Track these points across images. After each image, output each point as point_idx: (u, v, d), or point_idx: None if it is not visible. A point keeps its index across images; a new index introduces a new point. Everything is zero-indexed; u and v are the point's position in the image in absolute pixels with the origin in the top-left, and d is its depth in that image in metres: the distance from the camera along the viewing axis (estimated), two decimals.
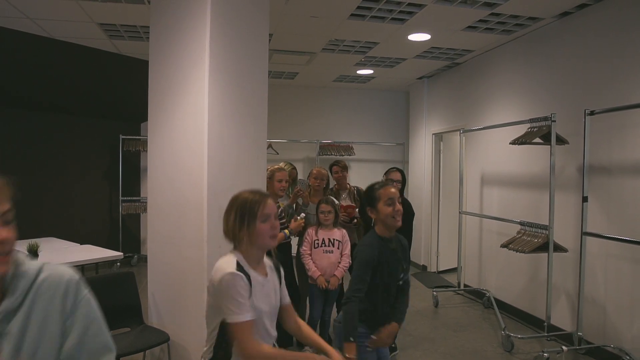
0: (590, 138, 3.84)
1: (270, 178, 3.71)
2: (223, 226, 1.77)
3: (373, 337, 2.30)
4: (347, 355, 2.12)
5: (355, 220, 4.21)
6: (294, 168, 4.22)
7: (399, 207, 2.27)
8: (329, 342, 4.22)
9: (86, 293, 1.15)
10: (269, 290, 1.79)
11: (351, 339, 2.17)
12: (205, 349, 1.75)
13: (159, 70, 3.35)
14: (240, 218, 1.71)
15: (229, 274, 1.63)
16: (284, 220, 3.79)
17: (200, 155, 2.97)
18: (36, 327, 1.05)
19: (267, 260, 1.86)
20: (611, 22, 3.87)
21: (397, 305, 2.42)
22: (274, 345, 1.82)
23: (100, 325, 1.15)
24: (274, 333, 1.81)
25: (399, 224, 2.29)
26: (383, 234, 2.31)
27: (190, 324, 3.07)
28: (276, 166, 3.93)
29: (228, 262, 1.68)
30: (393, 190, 2.30)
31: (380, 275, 2.25)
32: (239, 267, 1.67)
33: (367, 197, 2.37)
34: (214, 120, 2.97)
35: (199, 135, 2.98)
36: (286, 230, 3.71)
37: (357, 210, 4.27)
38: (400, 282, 2.42)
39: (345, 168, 4.52)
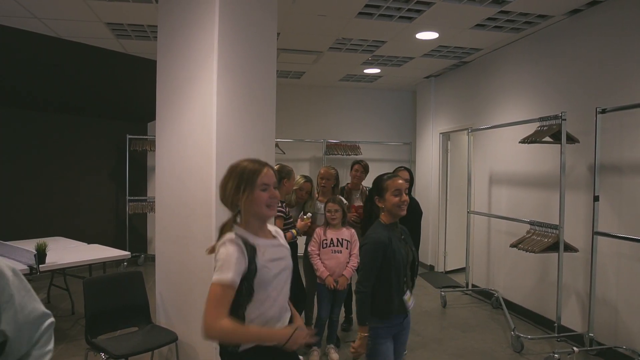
0: (602, 137, 3.79)
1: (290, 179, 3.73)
2: (219, 193, 1.75)
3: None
4: (354, 349, 2.32)
5: None
6: (308, 181, 4.19)
7: (405, 197, 2.39)
8: (337, 342, 4.21)
9: (9, 275, 1.15)
10: (279, 247, 1.79)
11: (365, 323, 2.30)
12: None
13: (167, 69, 3.35)
14: (238, 186, 1.69)
15: (225, 240, 1.64)
16: (290, 220, 3.78)
17: (208, 154, 2.96)
18: None
19: (271, 227, 1.87)
20: (622, 20, 3.83)
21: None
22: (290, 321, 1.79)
23: (29, 297, 1.18)
24: (281, 319, 1.75)
25: (404, 213, 2.40)
26: (388, 221, 2.42)
27: (198, 324, 3.03)
28: (300, 177, 4.08)
29: (227, 235, 1.67)
30: (400, 181, 2.42)
31: (391, 264, 2.32)
32: (238, 236, 1.66)
33: (376, 188, 2.48)
34: (222, 119, 2.96)
35: (207, 134, 2.97)
36: (293, 230, 3.70)
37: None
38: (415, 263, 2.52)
39: (366, 169, 4.52)
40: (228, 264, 1.59)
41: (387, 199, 2.39)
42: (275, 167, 3.73)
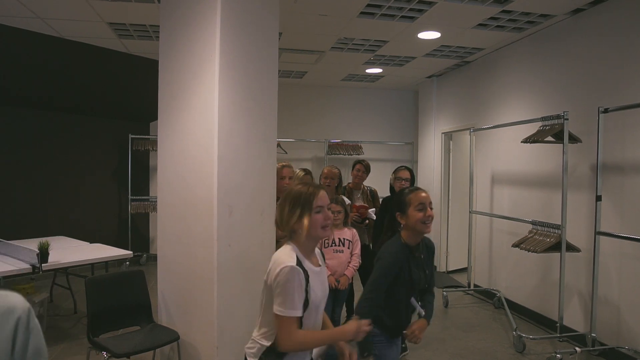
0: (604, 136, 3.79)
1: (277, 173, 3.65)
2: (276, 217, 1.87)
3: (405, 332, 2.25)
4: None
5: (367, 221, 4.19)
6: (308, 173, 4.16)
7: (430, 212, 2.20)
8: None
9: (36, 323, 1.15)
10: (323, 278, 1.90)
11: (365, 355, 2.09)
12: (257, 334, 1.82)
13: (169, 69, 3.35)
14: (295, 210, 1.78)
15: (288, 267, 1.69)
16: None
17: (210, 153, 2.96)
18: None
19: (317, 250, 1.97)
20: (625, 19, 3.82)
21: (424, 303, 2.36)
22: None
23: (44, 354, 1.19)
24: (320, 320, 1.90)
25: (429, 230, 2.22)
26: (409, 241, 2.23)
27: (200, 323, 3.06)
28: (284, 163, 3.89)
29: (287, 254, 1.75)
30: (424, 194, 2.23)
31: (403, 285, 2.17)
32: (298, 262, 1.74)
33: (397, 203, 2.29)
34: (224, 119, 2.97)
35: (209, 134, 2.98)
36: None
37: (369, 211, 4.24)
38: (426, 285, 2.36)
39: (368, 169, 4.51)
40: (293, 297, 1.69)
41: (410, 214, 2.19)
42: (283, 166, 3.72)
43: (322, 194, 1.82)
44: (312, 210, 1.77)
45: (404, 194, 2.28)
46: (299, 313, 1.70)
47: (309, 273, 1.76)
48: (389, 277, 2.14)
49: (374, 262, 2.24)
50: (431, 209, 2.22)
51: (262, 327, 1.82)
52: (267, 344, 1.77)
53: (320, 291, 1.83)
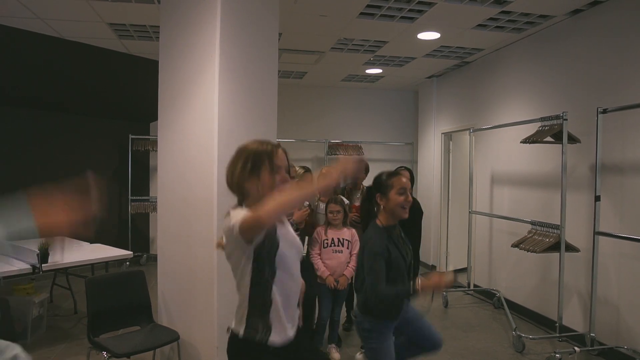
0: (603, 137, 3.79)
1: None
2: (227, 177, 1.66)
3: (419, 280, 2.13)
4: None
5: None
6: (308, 171, 4.17)
7: (409, 198, 2.28)
8: (339, 342, 4.22)
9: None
10: (289, 231, 1.73)
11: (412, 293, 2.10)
12: (236, 319, 1.66)
13: (169, 69, 3.36)
14: (251, 168, 1.60)
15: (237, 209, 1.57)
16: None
17: (210, 154, 2.97)
18: None
19: None
20: (623, 20, 3.82)
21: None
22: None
23: None
24: (296, 297, 1.72)
25: (406, 215, 2.29)
26: (388, 222, 2.30)
27: (200, 323, 3.07)
28: (300, 168, 3.96)
29: (236, 212, 1.57)
30: (405, 180, 2.29)
31: (395, 264, 2.24)
32: None
33: (378, 184, 2.33)
34: (224, 119, 2.97)
35: (209, 134, 2.98)
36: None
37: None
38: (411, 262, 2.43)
39: (366, 170, 4.50)
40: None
41: (390, 197, 2.26)
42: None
43: (281, 152, 1.65)
44: (268, 169, 1.59)
45: (386, 177, 2.31)
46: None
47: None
48: (382, 257, 2.18)
49: (360, 253, 2.30)
50: (410, 194, 2.30)
51: (238, 308, 1.67)
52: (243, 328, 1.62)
53: (287, 241, 1.65)
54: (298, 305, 1.77)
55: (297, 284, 1.71)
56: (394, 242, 2.27)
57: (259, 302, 1.60)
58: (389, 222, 2.31)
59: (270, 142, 1.68)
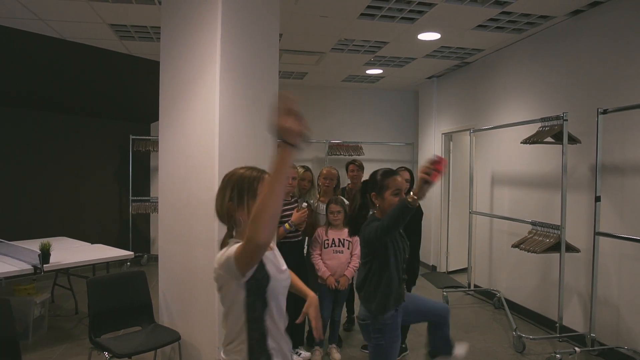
0: (603, 137, 3.80)
1: None
2: (216, 207, 1.62)
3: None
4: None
5: None
6: (308, 170, 4.18)
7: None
8: (339, 342, 4.22)
9: None
10: (278, 261, 1.68)
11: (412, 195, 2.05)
12: (229, 352, 1.59)
13: (170, 70, 3.37)
14: (239, 196, 1.56)
15: (232, 245, 1.51)
16: (286, 213, 3.59)
17: (211, 154, 2.98)
18: None
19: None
20: (624, 20, 3.83)
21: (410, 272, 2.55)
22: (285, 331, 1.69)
23: None
24: (283, 316, 1.67)
25: None
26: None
27: (201, 323, 3.07)
28: (300, 168, 3.96)
29: (231, 246, 1.51)
30: (401, 180, 2.30)
31: (392, 256, 2.29)
32: None
33: (374, 183, 2.33)
34: (224, 119, 2.98)
35: (210, 135, 2.99)
36: (287, 225, 3.52)
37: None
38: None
39: (361, 167, 4.53)
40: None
41: (385, 198, 2.28)
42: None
43: (267, 177, 1.54)
44: (256, 197, 1.53)
45: (380, 177, 2.30)
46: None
47: (264, 257, 1.56)
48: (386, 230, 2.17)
49: (360, 236, 2.31)
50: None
51: (228, 338, 1.60)
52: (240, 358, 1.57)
53: (276, 272, 1.60)
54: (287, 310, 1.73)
55: (283, 315, 1.66)
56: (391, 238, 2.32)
57: (256, 336, 1.56)
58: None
59: (257, 168, 1.64)
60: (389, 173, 2.35)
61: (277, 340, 1.62)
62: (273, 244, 1.75)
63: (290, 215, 3.60)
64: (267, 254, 1.62)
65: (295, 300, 1.93)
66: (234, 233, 1.64)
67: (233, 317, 1.57)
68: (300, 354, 3.78)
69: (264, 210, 1.30)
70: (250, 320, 1.55)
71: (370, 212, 2.43)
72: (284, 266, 1.71)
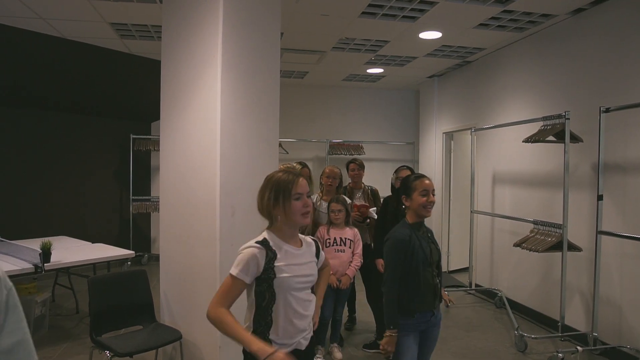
0: (605, 136, 3.79)
1: None
2: (257, 204, 1.89)
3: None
4: (382, 347, 2.38)
5: (369, 220, 4.20)
6: (306, 166, 4.18)
7: (432, 198, 2.46)
8: (341, 342, 4.21)
9: (11, 285, 1.11)
10: (304, 259, 1.88)
11: (392, 327, 2.34)
12: (246, 322, 1.86)
13: (171, 69, 3.36)
14: (275, 197, 1.81)
15: (249, 243, 1.79)
16: None
17: (212, 154, 2.97)
18: None
19: (305, 237, 1.98)
20: (626, 19, 3.82)
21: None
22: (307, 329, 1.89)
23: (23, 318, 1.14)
24: (306, 312, 1.85)
25: (429, 214, 2.48)
26: (413, 220, 2.49)
27: (202, 322, 3.05)
28: (287, 165, 3.91)
29: (252, 241, 1.80)
30: (428, 182, 2.49)
31: (418, 259, 2.39)
32: (264, 242, 1.79)
33: (404, 187, 2.56)
34: (226, 119, 2.97)
35: (211, 134, 2.98)
36: None
37: (370, 210, 4.25)
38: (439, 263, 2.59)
39: (362, 166, 4.52)
40: (240, 261, 1.75)
41: (414, 198, 2.46)
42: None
43: (302, 181, 1.84)
44: (291, 197, 1.80)
45: (410, 180, 2.53)
46: (235, 271, 1.73)
47: (281, 252, 1.80)
48: (400, 257, 2.37)
49: (384, 242, 2.48)
50: (433, 195, 2.48)
51: (244, 321, 1.86)
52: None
53: (295, 268, 1.82)
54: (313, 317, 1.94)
55: (302, 303, 1.84)
56: (417, 236, 2.45)
57: (262, 323, 1.80)
58: (414, 219, 2.50)
59: (293, 171, 1.90)
60: (417, 176, 2.57)
61: (282, 335, 1.80)
62: (307, 243, 1.95)
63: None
64: (289, 250, 1.84)
65: None
66: (271, 224, 1.90)
67: (249, 302, 1.84)
68: None
69: (217, 326, 1.71)
70: (259, 308, 1.80)
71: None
72: (305, 260, 1.89)
